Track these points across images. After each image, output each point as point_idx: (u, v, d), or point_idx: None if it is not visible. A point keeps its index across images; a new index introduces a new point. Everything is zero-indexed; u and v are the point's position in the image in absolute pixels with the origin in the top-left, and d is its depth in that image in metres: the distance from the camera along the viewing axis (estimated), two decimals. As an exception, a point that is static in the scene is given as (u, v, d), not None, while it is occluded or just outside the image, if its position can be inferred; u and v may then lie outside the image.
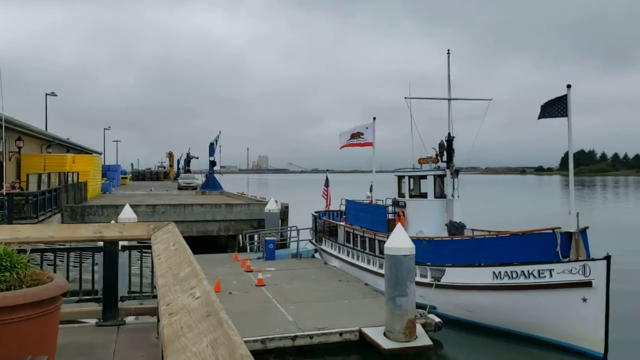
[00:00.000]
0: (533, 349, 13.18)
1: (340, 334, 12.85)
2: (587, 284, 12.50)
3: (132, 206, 17.17)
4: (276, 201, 28.08)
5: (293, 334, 12.55)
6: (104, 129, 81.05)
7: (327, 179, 27.45)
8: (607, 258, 12.39)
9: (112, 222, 7.32)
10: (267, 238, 23.77)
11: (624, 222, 43.15)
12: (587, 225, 13.81)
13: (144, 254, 7.34)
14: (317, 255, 24.55)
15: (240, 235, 26.72)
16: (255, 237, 26.33)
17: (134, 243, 6.31)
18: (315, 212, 26.46)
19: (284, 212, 29.31)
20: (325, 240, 24.20)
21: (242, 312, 14.36)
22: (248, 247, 26.08)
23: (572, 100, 14.18)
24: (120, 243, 5.79)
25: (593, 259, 12.68)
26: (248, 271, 19.98)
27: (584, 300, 12.54)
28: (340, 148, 24.69)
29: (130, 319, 5.71)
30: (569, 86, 14.22)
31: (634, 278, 20.60)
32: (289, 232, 26.98)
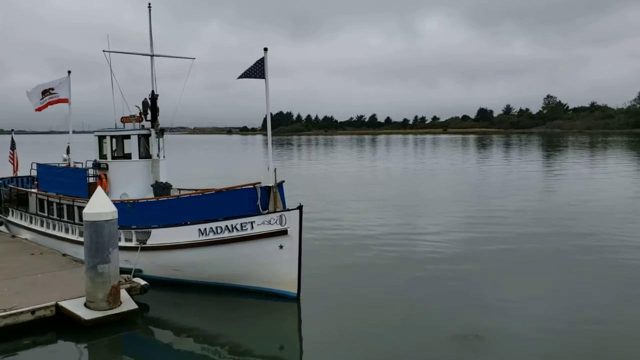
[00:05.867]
0: (237, 298, 13.94)
1: (33, 311, 11.48)
2: (284, 232, 13.66)
3: None
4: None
5: (-30, 321, 10.72)
6: None
7: (12, 141, 23.93)
8: (300, 208, 13.69)
9: None
10: None
11: (317, 175, 48.82)
12: (284, 180, 15.01)
13: None
14: (2, 228, 21.41)
15: None
16: None
17: None
18: (-1, 179, 22.94)
19: (-46, 181, 24.66)
20: (13, 211, 21.21)
21: None
22: None
23: (269, 63, 14.96)
24: None
25: (288, 210, 13.85)
26: None
27: (281, 247, 13.70)
28: (37, 110, 21.71)
29: None
30: (265, 49, 14.94)
31: (321, 224, 23.48)
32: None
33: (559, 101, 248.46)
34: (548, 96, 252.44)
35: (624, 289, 14.14)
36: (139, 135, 18.26)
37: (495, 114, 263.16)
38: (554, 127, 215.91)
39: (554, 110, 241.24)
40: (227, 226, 14.09)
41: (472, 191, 35.61)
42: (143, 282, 13.42)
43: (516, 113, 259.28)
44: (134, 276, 13.87)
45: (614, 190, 34.37)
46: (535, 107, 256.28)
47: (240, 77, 14.95)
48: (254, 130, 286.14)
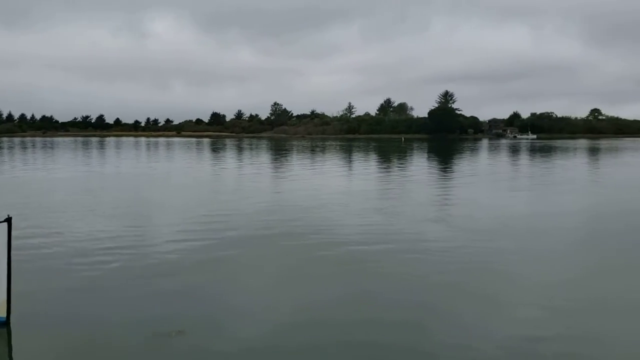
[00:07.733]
0: None
1: None
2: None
3: None
4: None
5: None
6: None
7: None
8: (8, 220, 11.91)
9: None
10: None
11: (30, 182, 43.46)
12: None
13: None
14: None
15: None
16: None
17: None
18: None
19: None
20: None
21: None
22: None
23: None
24: None
25: (-7, 222, 11.93)
26: None
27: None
28: None
29: None
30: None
31: (36, 237, 20.95)
32: None
33: (285, 108, 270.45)
34: (275, 103, 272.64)
35: (344, 281, 15.76)
36: None
37: (227, 119, 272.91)
38: (280, 132, 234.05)
39: (280, 116, 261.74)
40: None
41: (205, 194, 36.03)
42: None
43: (247, 118, 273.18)
44: None
45: (331, 187, 38.56)
46: (264, 113, 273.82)
47: None
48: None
